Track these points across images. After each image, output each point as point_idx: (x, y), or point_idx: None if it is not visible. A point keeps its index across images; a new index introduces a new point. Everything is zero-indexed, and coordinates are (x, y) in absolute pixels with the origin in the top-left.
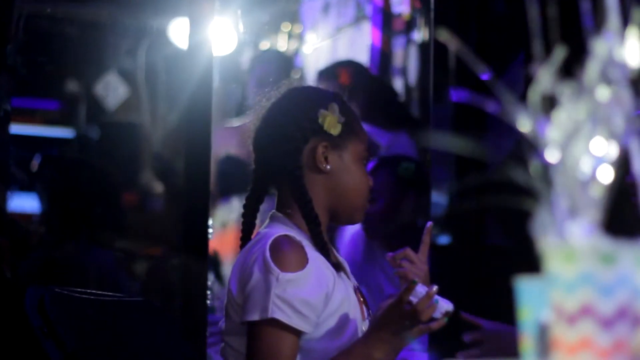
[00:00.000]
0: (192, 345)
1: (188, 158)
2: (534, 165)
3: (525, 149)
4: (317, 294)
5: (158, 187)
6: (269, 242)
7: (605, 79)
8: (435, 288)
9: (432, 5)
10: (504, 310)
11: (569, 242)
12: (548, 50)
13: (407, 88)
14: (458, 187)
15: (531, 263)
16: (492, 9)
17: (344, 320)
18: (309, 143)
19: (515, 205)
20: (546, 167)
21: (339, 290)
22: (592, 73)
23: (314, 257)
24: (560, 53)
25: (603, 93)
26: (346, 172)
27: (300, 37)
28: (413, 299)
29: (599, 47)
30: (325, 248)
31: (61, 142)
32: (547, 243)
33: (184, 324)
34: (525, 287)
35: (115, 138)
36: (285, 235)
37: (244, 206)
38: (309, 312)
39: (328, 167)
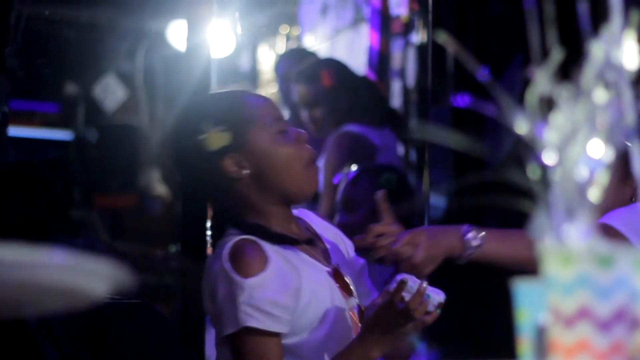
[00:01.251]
0: (191, 347)
1: None
2: (531, 168)
3: (523, 151)
4: (284, 291)
5: (156, 189)
6: (226, 252)
7: (603, 81)
8: (425, 284)
9: (430, 8)
10: (502, 312)
11: (567, 244)
12: (545, 52)
13: (405, 90)
14: (456, 189)
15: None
16: (490, 11)
17: (322, 307)
18: (213, 167)
19: (513, 208)
20: (544, 169)
21: (309, 278)
22: (589, 75)
23: (275, 253)
24: (557, 55)
25: (600, 95)
26: (267, 159)
27: (299, 40)
28: (405, 294)
29: (597, 49)
30: (282, 239)
31: (60, 145)
32: (545, 245)
33: (182, 327)
34: (523, 290)
35: (114, 140)
36: (241, 240)
37: (211, 218)
38: (280, 312)
39: (246, 171)
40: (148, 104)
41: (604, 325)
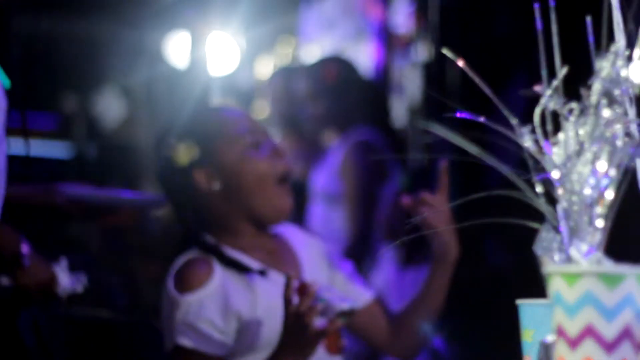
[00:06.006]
0: None
1: None
2: (537, 185)
3: (529, 168)
4: (224, 311)
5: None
6: (174, 268)
7: (610, 98)
8: (316, 286)
9: (434, 24)
10: (507, 331)
11: (573, 263)
12: (552, 69)
13: (408, 107)
14: (460, 206)
15: (535, 284)
16: (495, 28)
17: (275, 339)
18: (184, 181)
19: (519, 226)
20: (550, 187)
21: (266, 298)
22: (596, 93)
23: (227, 274)
24: (564, 73)
25: (607, 113)
26: (236, 174)
27: (300, 55)
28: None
29: (604, 67)
30: (235, 265)
31: (59, 160)
32: (551, 264)
33: None
34: (529, 309)
35: (114, 155)
36: (190, 258)
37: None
38: (216, 332)
39: (216, 185)
40: (148, 117)
41: (609, 345)
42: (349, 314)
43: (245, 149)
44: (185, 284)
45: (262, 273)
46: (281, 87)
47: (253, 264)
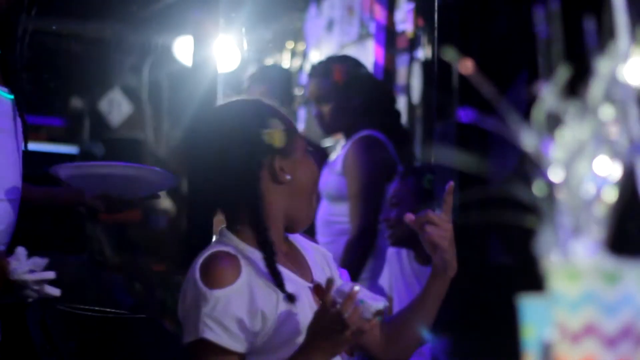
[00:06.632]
0: None
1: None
2: (538, 184)
3: (529, 167)
4: (249, 310)
5: (161, 204)
6: (200, 261)
7: (610, 98)
8: (356, 288)
9: (435, 23)
10: (508, 329)
11: (573, 260)
12: (552, 68)
13: (410, 106)
14: (461, 205)
15: (535, 281)
16: (496, 27)
17: (300, 324)
18: (261, 164)
19: (519, 224)
20: (550, 186)
21: (283, 312)
22: (596, 92)
23: (252, 272)
24: (564, 72)
25: (607, 112)
26: (301, 170)
27: (304, 55)
28: (339, 300)
29: (603, 66)
30: (275, 275)
31: (65, 159)
32: (551, 262)
33: None
34: (529, 306)
35: (119, 154)
36: (218, 252)
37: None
38: (241, 330)
39: (289, 176)
40: (154, 118)
41: (611, 342)
42: (382, 313)
43: (305, 147)
44: (214, 279)
45: (290, 298)
46: (264, 88)
47: (287, 276)
